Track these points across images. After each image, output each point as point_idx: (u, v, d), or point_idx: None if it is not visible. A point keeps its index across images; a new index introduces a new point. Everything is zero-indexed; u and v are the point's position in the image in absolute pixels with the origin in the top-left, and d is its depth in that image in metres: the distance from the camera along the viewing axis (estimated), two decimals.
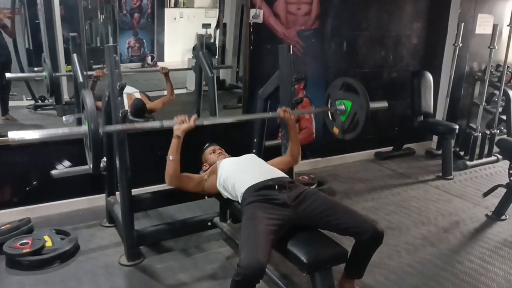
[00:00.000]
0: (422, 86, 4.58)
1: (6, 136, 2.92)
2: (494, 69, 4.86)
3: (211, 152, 2.78)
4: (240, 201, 2.27)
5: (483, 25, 4.80)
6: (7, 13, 3.23)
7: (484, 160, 4.65)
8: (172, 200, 2.93)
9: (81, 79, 3.07)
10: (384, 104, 2.85)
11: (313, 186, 3.65)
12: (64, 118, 3.23)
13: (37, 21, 3.34)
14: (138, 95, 3.66)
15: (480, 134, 4.57)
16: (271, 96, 3.00)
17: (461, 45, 4.62)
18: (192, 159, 2.63)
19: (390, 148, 4.90)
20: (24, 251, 2.47)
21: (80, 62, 3.18)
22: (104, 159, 2.84)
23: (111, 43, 3.72)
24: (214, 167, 2.58)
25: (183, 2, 4.37)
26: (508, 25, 4.54)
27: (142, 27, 4.05)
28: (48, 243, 2.58)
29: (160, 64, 4.14)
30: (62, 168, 3.09)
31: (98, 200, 3.20)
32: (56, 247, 2.57)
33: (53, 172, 2.76)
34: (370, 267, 2.18)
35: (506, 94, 4.85)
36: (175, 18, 4.27)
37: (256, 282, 1.78)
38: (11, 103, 3.36)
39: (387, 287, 2.43)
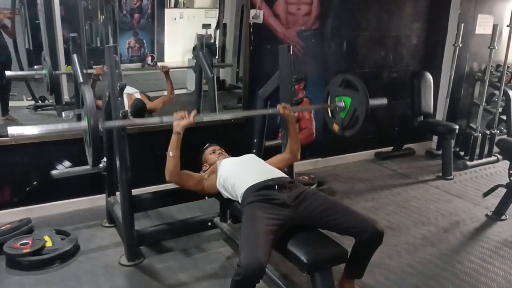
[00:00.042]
0: (422, 86, 4.58)
1: (7, 136, 2.96)
2: (494, 69, 4.86)
3: (211, 152, 2.78)
4: (240, 201, 2.27)
5: (483, 25, 4.80)
6: (7, 13, 3.23)
7: (484, 160, 4.65)
8: (172, 200, 2.93)
9: (81, 79, 3.07)
10: (383, 101, 2.85)
11: (313, 186, 3.65)
12: (63, 114, 3.23)
13: (37, 21, 3.34)
14: (138, 95, 3.66)
15: (480, 134, 4.57)
16: (271, 96, 3.01)
17: (461, 45, 4.62)
18: (192, 159, 2.63)
19: (390, 148, 4.90)
20: (24, 251, 2.47)
21: (80, 62, 3.18)
22: (104, 159, 2.84)
23: (111, 44, 3.72)
24: (214, 167, 2.58)
25: (183, 3, 4.37)
26: (508, 26, 4.54)
27: (142, 28, 4.05)
28: (48, 243, 2.58)
29: (160, 64, 4.14)
30: (62, 168, 3.09)
31: (98, 200, 3.20)
32: (56, 247, 2.57)
33: (53, 172, 2.76)
34: (370, 267, 2.18)
35: (506, 94, 4.85)
36: (175, 19, 4.27)
37: (256, 282, 1.78)
38: (11, 103, 3.36)
39: (387, 287, 2.43)
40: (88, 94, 2.04)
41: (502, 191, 3.36)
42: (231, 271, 1.89)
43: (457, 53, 4.65)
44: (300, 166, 4.06)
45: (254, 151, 3.06)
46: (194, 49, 4.05)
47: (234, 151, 2.75)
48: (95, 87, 3.25)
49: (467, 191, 3.91)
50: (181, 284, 2.40)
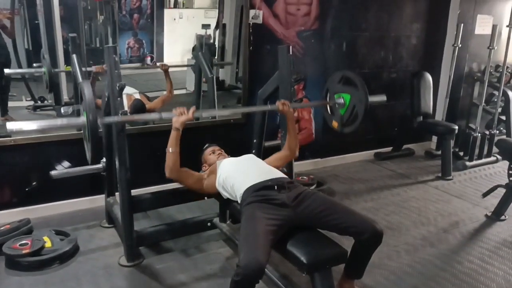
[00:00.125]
0: (421, 86, 4.58)
1: (6, 136, 2.96)
2: (494, 69, 4.86)
3: (210, 152, 2.78)
4: (239, 202, 2.27)
5: (482, 26, 4.80)
6: (7, 14, 3.23)
7: (483, 160, 4.65)
8: (171, 201, 2.93)
9: (80, 80, 3.07)
10: (382, 97, 2.85)
11: (313, 187, 3.64)
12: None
13: (36, 22, 3.34)
14: (137, 95, 3.66)
15: (479, 134, 4.57)
16: (271, 97, 3.00)
17: (460, 45, 4.63)
18: (191, 160, 2.63)
19: (390, 148, 4.90)
20: (24, 251, 2.47)
21: (80, 62, 3.18)
22: (104, 159, 2.84)
23: (110, 44, 3.73)
24: (213, 167, 2.58)
25: (183, 3, 4.37)
26: (507, 26, 4.55)
27: (142, 28, 4.05)
28: (48, 244, 2.58)
29: (159, 64, 4.13)
30: (62, 168, 3.09)
31: (98, 201, 3.20)
32: (56, 247, 2.57)
33: (53, 172, 2.75)
34: (369, 267, 2.18)
35: (505, 94, 4.86)
36: (174, 19, 4.27)
37: (255, 282, 1.78)
38: (10, 104, 3.36)
39: (386, 287, 2.43)
40: (87, 90, 2.03)
41: (501, 191, 3.37)
42: (230, 272, 1.89)
43: (456, 54, 4.66)
44: (300, 166, 4.06)
45: (253, 151, 3.06)
46: (193, 49, 4.05)
47: (234, 151, 2.75)
48: (94, 84, 3.25)
49: (467, 191, 3.91)
50: (181, 284, 2.40)
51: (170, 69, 3.74)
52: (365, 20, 4.36)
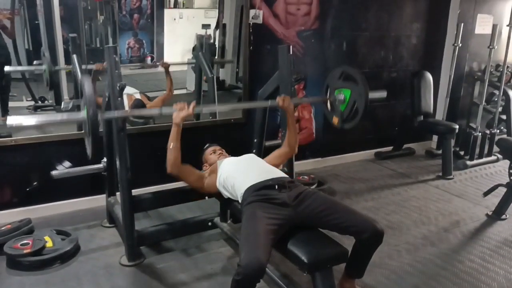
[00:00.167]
0: (422, 86, 4.58)
1: (6, 136, 2.96)
2: (494, 69, 4.86)
3: (211, 152, 2.78)
4: (240, 201, 2.27)
5: (482, 25, 4.81)
6: (7, 14, 3.23)
7: (484, 159, 4.65)
8: (172, 200, 2.94)
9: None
10: (383, 93, 2.85)
11: (313, 186, 3.65)
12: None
13: (36, 22, 3.34)
14: (138, 95, 3.66)
15: (480, 133, 4.57)
16: (271, 96, 3.00)
17: (460, 45, 4.63)
18: (192, 160, 2.63)
19: (390, 148, 4.90)
20: (25, 251, 2.47)
21: (80, 62, 3.18)
22: (105, 159, 2.84)
23: (110, 44, 3.72)
24: (214, 166, 2.58)
25: (183, 3, 4.37)
26: (507, 25, 4.54)
27: (142, 28, 4.04)
28: (49, 244, 2.58)
29: (159, 64, 4.14)
30: (63, 168, 3.09)
31: (99, 201, 3.20)
32: (57, 247, 2.57)
33: (54, 172, 2.76)
34: (370, 266, 2.18)
35: (506, 93, 4.86)
36: (174, 19, 4.27)
37: (256, 281, 1.78)
38: (11, 104, 3.36)
39: (387, 287, 2.43)
40: (87, 85, 2.03)
41: (502, 190, 3.36)
42: (231, 271, 1.89)
43: (456, 53, 4.66)
44: (300, 166, 4.06)
45: (254, 151, 3.06)
46: (193, 49, 4.05)
47: (234, 151, 2.75)
48: (95, 84, 3.25)
49: (467, 190, 3.91)
50: (182, 284, 2.40)
51: (171, 69, 3.74)
52: (365, 20, 4.36)
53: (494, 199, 3.45)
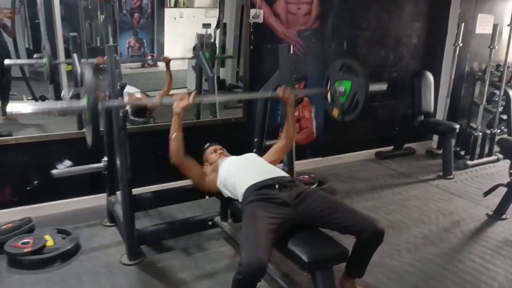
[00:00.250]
0: (422, 86, 4.58)
1: (7, 135, 2.96)
2: (495, 68, 4.86)
3: (212, 151, 2.79)
4: (240, 200, 2.27)
5: (483, 25, 4.80)
6: (7, 13, 3.23)
7: (484, 159, 4.65)
8: (172, 200, 2.94)
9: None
10: (383, 85, 2.84)
11: (314, 186, 3.65)
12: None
13: (37, 21, 3.34)
14: (138, 95, 3.66)
15: (480, 133, 4.57)
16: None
17: (461, 45, 4.63)
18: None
19: (391, 147, 4.90)
20: (25, 250, 2.47)
21: (81, 61, 3.18)
22: (105, 158, 2.84)
23: (111, 43, 3.72)
24: (215, 165, 2.58)
25: (183, 2, 4.37)
26: (508, 25, 4.54)
27: (142, 27, 4.04)
28: (49, 243, 2.58)
29: (160, 64, 4.14)
30: (63, 167, 3.09)
31: (99, 200, 3.20)
32: (57, 246, 2.57)
33: (54, 171, 2.76)
34: (371, 266, 2.18)
35: (506, 93, 4.85)
36: (175, 18, 4.27)
37: (257, 280, 1.78)
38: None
39: (388, 286, 2.43)
40: (87, 73, 2.02)
41: (502, 190, 3.36)
42: (231, 270, 1.89)
43: (457, 53, 4.66)
44: (301, 165, 4.06)
45: (254, 150, 3.06)
46: (194, 48, 4.05)
47: (235, 150, 2.76)
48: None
49: (468, 190, 3.91)
50: (182, 283, 2.40)
51: (172, 68, 3.74)
52: (366, 20, 4.35)
53: (495, 199, 3.45)
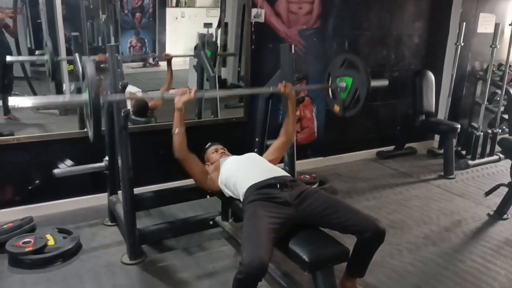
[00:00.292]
0: (423, 85, 4.58)
1: (9, 135, 2.97)
2: (496, 68, 4.85)
3: (213, 151, 2.79)
4: (242, 200, 2.27)
5: (485, 24, 4.80)
6: (9, 13, 3.23)
7: (486, 159, 4.65)
8: (174, 199, 2.94)
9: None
10: (384, 82, 2.84)
11: (315, 185, 3.65)
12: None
13: (39, 21, 3.34)
14: (140, 94, 3.67)
15: (482, 133, 4.56)
16: (273, 96, 3.00)
17: (463, 44, 4.62)
18: None
19: (392, 147, 4.90)
20: (26, 249, 2.48)
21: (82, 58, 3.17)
22: (106, 158, 2.85)
23: (112, 43, 3.73)
24: (217, 164, 2.59)
25: (185, 2, 4.37)
26: (510, 24, 4.54)
27: (144, 27, 4.05)
28: (50, 242, 2.59)
29: (161, 63, 4.15)
30: (65, 167, 3.10)
31: (100, 199, 3.21)
32: (58, 245, 2.58)
33: (56, 171, 2.76)
34: (371, 266, 2.18)
35: (508, 93, 4.84)
36: (176, 18, 4.27)
37: (258, 280, 1.78)
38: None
39: (389, 286, 2.43)
40: (89, 67, 2.02)
41: (504, 190, 3.36)
42: (232, 270, 1.89)
43: (459, 52, 4.65)
44: (302, 165, 4.06)
45: (255, 150, 3.06)
46: (195, 48, 4.05)
47: (236, 150, 2.76)
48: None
49: (469, 190, 3.91)
50: (183, 282, 2.40)
51: (173, 68, 3.75)
52: (367, 19, 4.35)
53: (496, 199, 3.44)
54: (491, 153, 4.70)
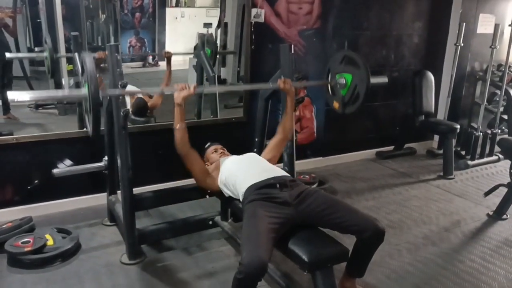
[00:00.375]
0: (423, 85, 4.58)
1: (8, 134, 2.97)
2: (496, 68, 4.85)
3: (213, 151, 2.79)
4: (241, 200, 2.27)
5: (484, 25, 4.80)
6: (9, 12, 3.23)
7: (485, 159, 4.65)
8: (173, 199, 2.94)
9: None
10: (384, 79, 2.84)
11: (314, 185, 3.65)
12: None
13: (38, 20, 3.34)
14: (140, 94, 3.66)
15: (481, 133, 4.57)
16: (272, 96, 3.00)
17: (462, 44, 4.62)
18: None
19: (391, 147, 4.90)
20: (26, 249, 2.47)
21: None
22: (106, 158, 2.85)
23: (112, 42, 3.73)
24: (217, 163, 2.60)
25: (184, 2, 4.37)
26: (509, 25, 4.54)
27: (144, 27, 4.05)
28: (50, 242, 2.59)
29: (161, 63, 4.15)
30: (64, 167, 3.09)
31: (100, 199, 3.20)
32: (58, 245, 2.58)
33: (55, 171, 2.76)
34: (371, 265, 2.18)
35: (507, 93, 4.84)
36: (176, 18, 4.27)
37: (258, 280, 1.78)
38: (12, 102, 3.36)
39: (388, 286, 2.43)
40: (88, 61, 2.01)
41: (503, 190, 3.36)
42: (232, 270, 1.89)
43: (458, 53, 4.65)
44: (301, 165, 4.05)
45: (255, 150, 3.06)
46: (195, 48, 4.05)
47: (235, 150, 2.76)
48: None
49: (468, 190, 3.91)
50: (182, 282, 2.40)
51: (172, 68, 3.75)
52: (367, 19, 4.35)
53: (495, 199, 3.44)
54: (491, 153, 4.71)
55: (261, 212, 2.03)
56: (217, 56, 4.05)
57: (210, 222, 2.85)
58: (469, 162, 4.50)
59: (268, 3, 3.72)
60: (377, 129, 4.79)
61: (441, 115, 4.93)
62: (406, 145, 4.95)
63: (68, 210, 3.20)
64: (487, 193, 3.52)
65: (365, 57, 4.40)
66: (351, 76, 2.66)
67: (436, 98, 4.79)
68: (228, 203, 2.64)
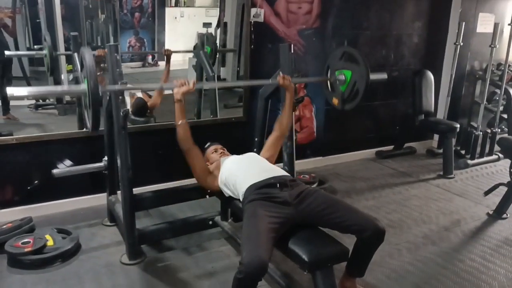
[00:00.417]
0: (423, 85, 4.58)
1: (8, 135, 2.97)
2: (495, 68, 4.85)
3: (213, 151, 2.79)
4: (241, 199, 2.27)
5: (484, 24, 4.80)
6: (8, 12, 3.23)
7: (485, 158, 4.65)
8: (173, 199, 2.94)
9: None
10: (383, 75, 2.84)
11: (314, 185, 3.65)
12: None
13: (38, 21, 3.34)
14: (139, 94, 3.67)
15: (481, 132, 4.57)
16: (272, 96, 3.01)
17: (462, 44, 4.62)
18: None
19: (391, 147, 4.90)
20: (26, 250, 2.47)
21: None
22: (106, 158, 2.84)
23: (112, 42, 3.73)
24: (218, 163, 2.60)
25: (184, 1, 4.37)
26: (509, 24, 4.54)
27: (143, 27, 4.05)
28: (50, 242, 2.58)
29: (160, 63, 4.15)
30: (64, 167, 3.09)
31: (100, 199, 3.20)
32: (58, 246, 2.58)
33: (55, 171, 2.76)
34: (371, 265, 2.18)
35: (507, 92, 4.84)
36: (175, 17, 4.27)
37: (258, 279, 1.78)
38: (12, 102, 3.36)
39: (388, 286, 2.43)
40: (88, 57, 2.01)
41: (503, 189, 3.36)
42: (232, 270, 1.89)
43: (458, 52, 4.65)
44: (301, 164, 4.06)
45: (255, 150, 3.06)
46: (195, 47, 4.05)
47: (235, 150, 2.76)
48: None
49: (468, 189, 3.91)
50: (182, 282, 2.40)
51: (172, 68, 3.75)
52: (367, 19, 4.35)
53: (495, 198, 3.44)
54: (490, 152, 4.71)
55: (261, 211, 2.03)
56: (217, 55, 4.04)
57: (210, 222, 2.85)
58: (469, 161, 4.51)
59: (267, 3, 3.72)
60: (377, 129, 4.79)
61: (441, 114, 4.93)
62: (406, 145, 4.95)
63: (68, 210, 3.20)
64: (487, 192, 3.52)
65: (365, 57, 4.41)
66: (350, 73, 2.66)
67: (436, 97, 4.79)
68: (228, 203, 2.64)
